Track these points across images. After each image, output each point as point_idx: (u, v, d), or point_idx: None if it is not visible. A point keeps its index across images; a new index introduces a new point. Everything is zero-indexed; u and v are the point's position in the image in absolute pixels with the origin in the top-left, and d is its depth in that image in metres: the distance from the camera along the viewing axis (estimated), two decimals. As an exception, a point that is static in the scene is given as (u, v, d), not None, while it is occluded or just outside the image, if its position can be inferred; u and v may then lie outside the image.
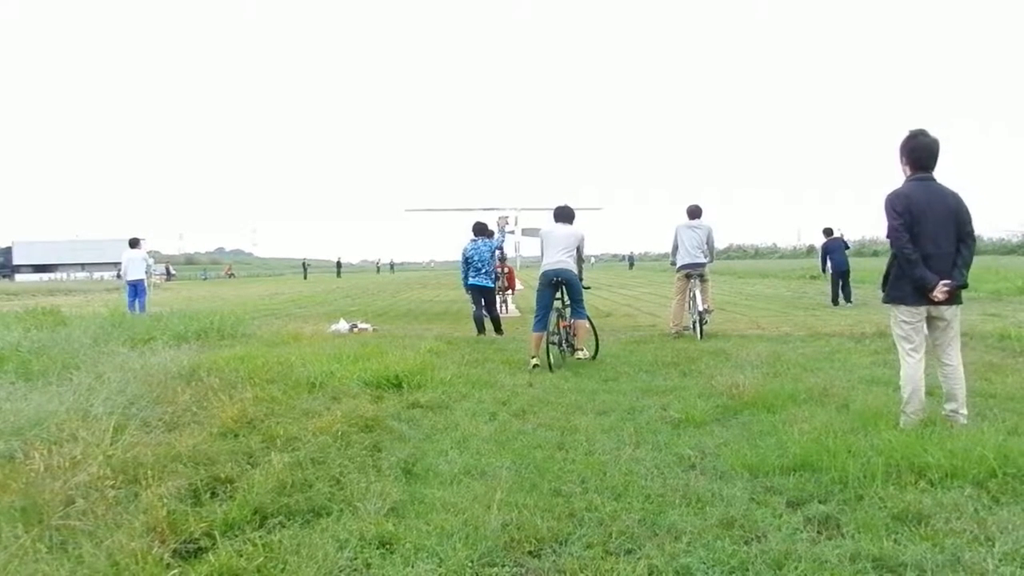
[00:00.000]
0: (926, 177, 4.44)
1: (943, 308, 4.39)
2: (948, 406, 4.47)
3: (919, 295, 4.34)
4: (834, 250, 15.22)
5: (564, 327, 7.89)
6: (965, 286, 4.43)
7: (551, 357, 7.52)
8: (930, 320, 4.46)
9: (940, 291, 4.26)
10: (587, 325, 7.95)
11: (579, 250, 7.89)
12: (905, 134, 4.49)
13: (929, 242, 4.32)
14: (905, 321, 4.44)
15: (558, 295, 7.91)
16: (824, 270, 15.56)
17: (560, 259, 7.74)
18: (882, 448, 3.73)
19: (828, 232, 15.61)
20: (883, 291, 4.61)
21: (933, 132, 4.45)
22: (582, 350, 7.82)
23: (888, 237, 4.46)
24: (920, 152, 4.44)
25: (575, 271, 7.84)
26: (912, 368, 4.43)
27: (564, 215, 8.05)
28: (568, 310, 8.01)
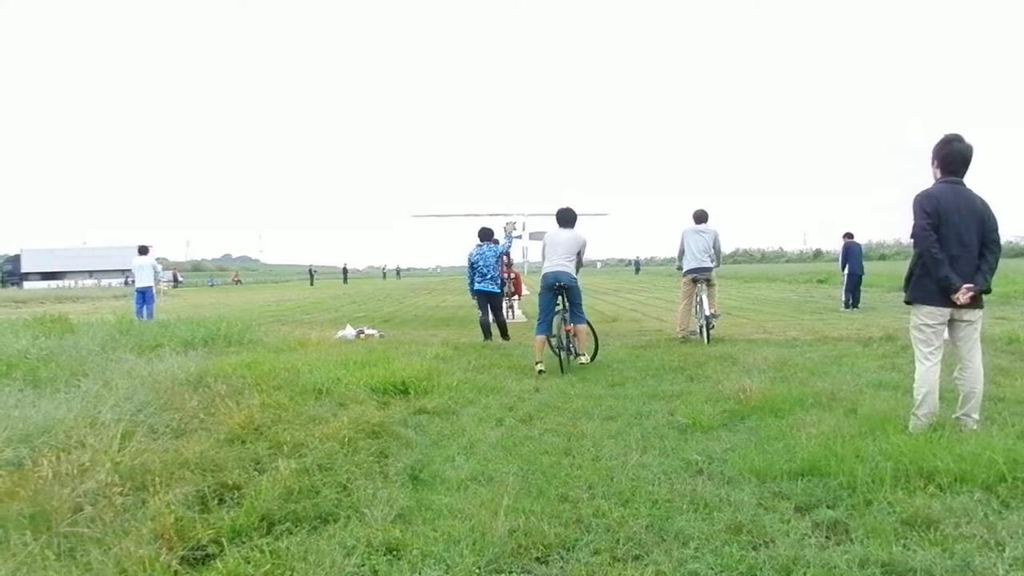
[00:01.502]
0: (956, 181, 4.45)
1: (966, 311, 4.38)
2: (962, 410, 4.44)
3: (943, 296, 4.33)
4: (853, 253, 15.25)
5: (567, 331, 7.89)
6: (988, 291, 4.42)
7: (562, 362, 7.56)
8: (953, 322, 4.44)
9: (963, 295, 4.26)
10: (587, 329, 7.99)
11: (579, 255, 7.96)
12: (941, 138, 4.51)
13: (954, 244, 4.32)
14: (926, 324, 4.43)
15: (558, 299, 7.95)
16: (844, 269, 15.52)
17: (561, 264, 7.80)
18: (891, 452, 3.71)
19: (849, 236, 15.66)
20: (905, 291, 4.58)
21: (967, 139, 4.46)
22: (583, 354, 7.84)
23: (914, 236, 4.45)
24: (953, 157, 4.45)
25: (575, 276, 7.89)
26: (928, 371, 4.42)
27: (567, 218, 8.09)
28: (568, 314, 8.02)
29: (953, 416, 4.46)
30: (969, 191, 4.45)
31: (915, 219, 4.40)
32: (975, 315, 4.43)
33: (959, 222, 4.34)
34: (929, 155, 4.58)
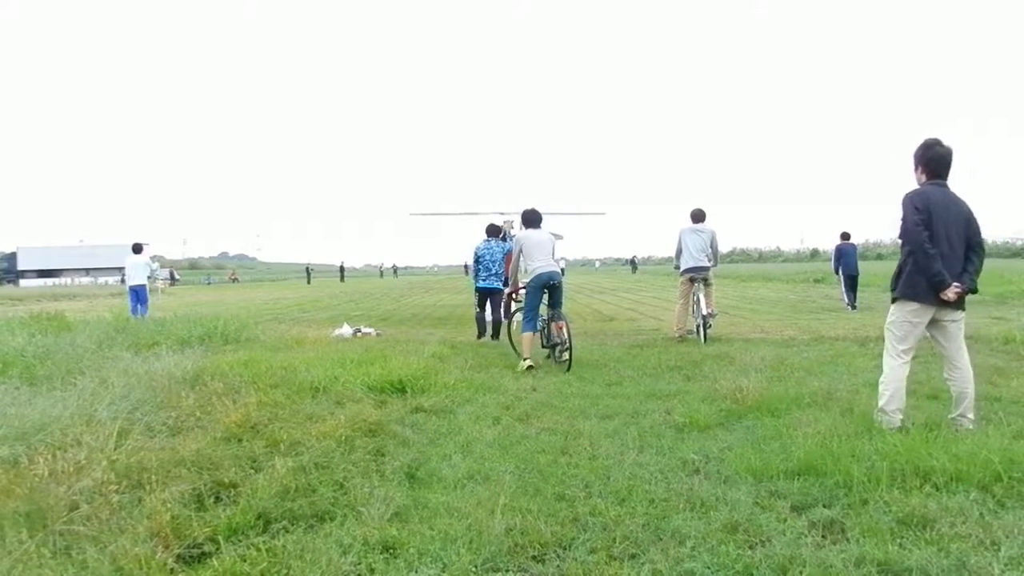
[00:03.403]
0: (942, 184, 4.51)
1: (951, 311, 4.43)
2: (957, 411, 4.47)
3: (931, 293, 4.36)
4: (847, 254, 15.25)
5: (558, 329, 7.93)
6: (975, 291, 4.48)
7: (570, 358, 7.59)
8: (938, 323, 4.48)
9: (953, 291, 4.31)
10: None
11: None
12: (921, 143, 4.56)
13: (943, 243, 4.37)
14: (908, 320, 4.46)
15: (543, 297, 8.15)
16: (837, 272, 15.54)
17: (552, 264, 8.06)
18: (886, 452, 3.72)
19: (845, 236, 15.65)
20: (893, 289, 4.59)
21: (946, 142, 4.52)
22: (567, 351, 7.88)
23: (903, 235, 4.48)
24: (937, 161, 4.52)
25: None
26: (899, 369, 4.46)
27: (536, 219, 8.34)
28: (554, 312, 8.14)
29: (949, 417, 4.48)
30: (954, 194, 4.52)
31: (906, 216, 4.43)
32: (959, 315, 4.49)
33: (947, 222, 4.41)
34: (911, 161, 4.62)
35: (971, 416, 4.45)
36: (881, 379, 4.55)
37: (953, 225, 4.42)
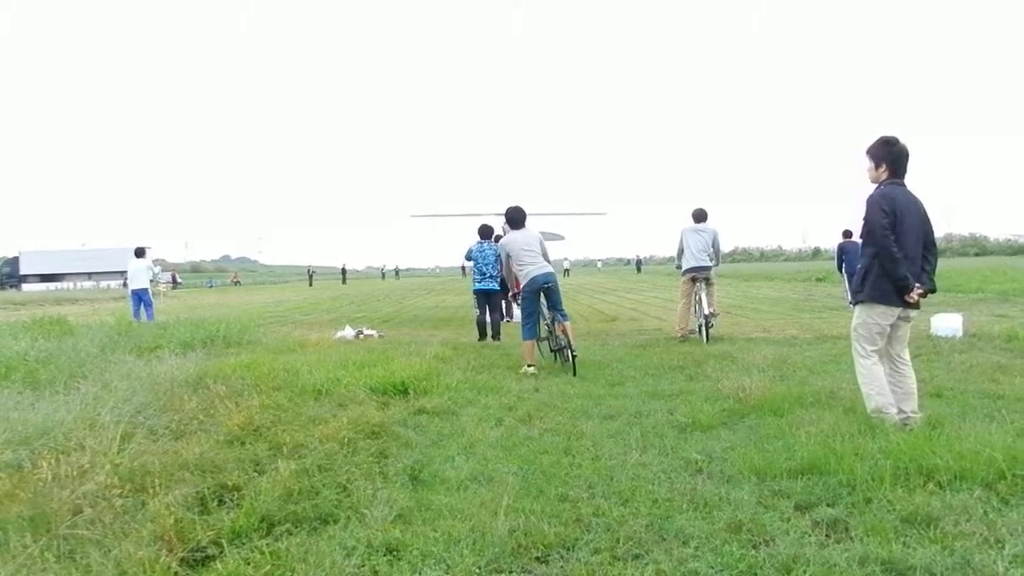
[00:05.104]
0: (902, 183, 4.53)
1: (910, 310, 4.49)
2: (908, 409, 4.48)
3: (897, 295, 4.40)
4: (850, 252, 15.21)
5: (562, 331, 7.79)
6: (934, 291, 4.55)
7: (573, 363, 7.43)
8: (895, 321, 4.52)
9: (917, 294, 4.36)
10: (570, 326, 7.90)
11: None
12: (879, 139, 4.55)
13: (907, 245, 4.40)
14: (876, 323, 4.49)
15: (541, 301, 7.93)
16: (840, 270, 15.53)
17: (547, 265, 7.81)
18: (890, 450, 3.72)
19: (847, 234, 15.63)
20: (859, 292, 4.58)
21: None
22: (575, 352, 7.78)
23: (870, 235, 4.47)
24: (900, 159, 4.53)
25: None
26: (874, 368, 4.49)
27: (520, 219, 7.96)
28: (557, 314, 7.90)
29: (899, 417, 4.46)
30: (913, 193, 4.54)
31: (873, 218, 4.42)
32: (914, 314, 4.56)
33: (911, 224, 4.43)
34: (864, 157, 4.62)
35: (919, 411, 4.50)
36: (861, 382, 4.56)
37: (914, 226, 4.45)
